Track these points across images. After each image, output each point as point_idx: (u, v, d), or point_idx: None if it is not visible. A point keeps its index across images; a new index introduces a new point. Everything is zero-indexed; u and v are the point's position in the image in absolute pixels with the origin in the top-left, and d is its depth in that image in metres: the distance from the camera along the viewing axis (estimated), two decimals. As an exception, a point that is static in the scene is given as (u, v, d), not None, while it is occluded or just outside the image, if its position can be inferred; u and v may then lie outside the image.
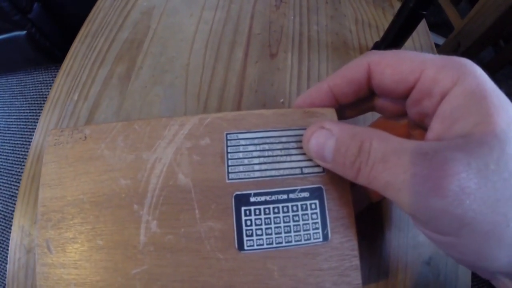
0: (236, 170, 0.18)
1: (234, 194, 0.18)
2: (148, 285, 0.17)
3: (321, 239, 0.17)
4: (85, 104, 0.32)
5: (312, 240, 0.17)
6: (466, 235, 0.13)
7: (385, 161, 0.14)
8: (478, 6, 0.81)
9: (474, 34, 0.84)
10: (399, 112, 0.20)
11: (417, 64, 0.16)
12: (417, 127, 0.19)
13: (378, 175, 0.15)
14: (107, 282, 0.17)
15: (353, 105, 0.21)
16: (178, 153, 0.18)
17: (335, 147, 0.16)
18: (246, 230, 0.17)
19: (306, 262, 0.17)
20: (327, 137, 0.17)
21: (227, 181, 0.18)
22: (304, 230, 0.17)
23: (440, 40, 1.11)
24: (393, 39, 0.31)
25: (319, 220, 0.17)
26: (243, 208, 0.17)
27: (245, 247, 0.17)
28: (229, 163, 0.18)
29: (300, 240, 0.17)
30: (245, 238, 0.17)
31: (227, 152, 0.18)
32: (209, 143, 0.19)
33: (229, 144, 0.18)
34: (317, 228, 0.17)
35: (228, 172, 0.18)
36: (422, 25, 0.37)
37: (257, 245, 0.17)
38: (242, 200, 0.17)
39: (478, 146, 0.13)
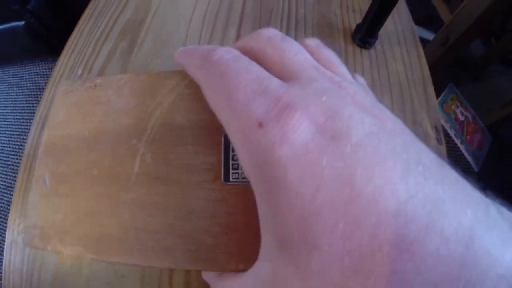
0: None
1: (224, 134, 0.19)
2: (137, 212, 0.18)
3: None
4: (89, 76, 0.34)
5: None
6: None
7: None
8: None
9: (463, 26, 0.87)
10: None
11: None
12: None
13: None
14: (95, 208, 0.17)
15: None
16: (178, 98, 0.20)
17: None
18: (233, 164, 0.19)
19: None
20: None
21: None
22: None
23: (431, 36, 1.15)
24: (372, 20, 0.34)
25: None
26: (231, 146, 0.19)
27: (231, 179, 0.19)
28: None
29: None
30: (231, 171, 0.19)
31: None
32: None
33: None
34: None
35: None
36: (403, 6, 0.40)
37: (242, 177, 0.19)
38: None
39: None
